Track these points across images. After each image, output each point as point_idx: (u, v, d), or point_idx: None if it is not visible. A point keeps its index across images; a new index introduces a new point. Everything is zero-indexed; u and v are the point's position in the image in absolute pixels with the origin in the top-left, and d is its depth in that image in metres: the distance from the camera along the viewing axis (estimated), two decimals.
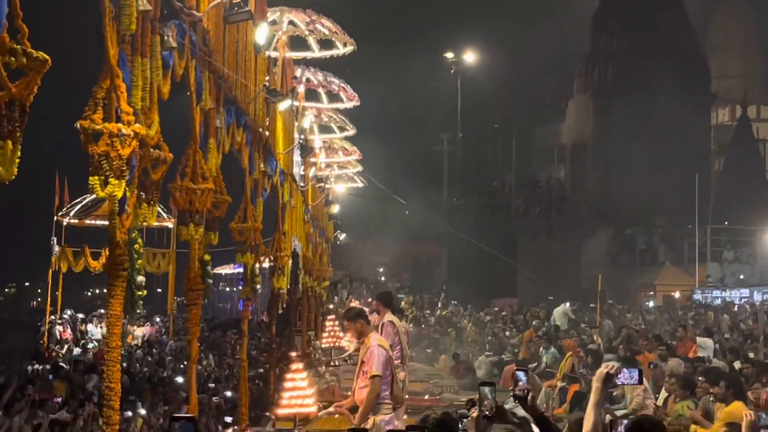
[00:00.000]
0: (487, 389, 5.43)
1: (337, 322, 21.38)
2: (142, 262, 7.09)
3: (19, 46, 4.57)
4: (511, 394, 5.68)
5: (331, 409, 11.77)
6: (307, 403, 13.00)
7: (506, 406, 6.00)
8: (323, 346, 20.40)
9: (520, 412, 6.00)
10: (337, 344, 21.05)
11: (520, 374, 5.70)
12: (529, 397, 5.62)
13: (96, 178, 6.28)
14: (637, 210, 48.25)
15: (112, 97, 6.43)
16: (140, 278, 7.08)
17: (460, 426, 5.56)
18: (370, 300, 30.86)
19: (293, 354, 16.99)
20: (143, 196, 7.58)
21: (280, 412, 12.76)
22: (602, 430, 5.39)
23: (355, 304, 24.10)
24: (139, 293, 7.10)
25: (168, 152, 7.93)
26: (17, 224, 63.57)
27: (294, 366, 13.87)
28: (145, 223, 8.08)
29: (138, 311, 7.26)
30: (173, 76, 8.19)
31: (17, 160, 4.63)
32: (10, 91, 4.57)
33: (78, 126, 6.17)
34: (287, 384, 13.87)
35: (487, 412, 5.34)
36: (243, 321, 14.56)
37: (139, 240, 7.09)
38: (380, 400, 9.80)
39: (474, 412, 5.51)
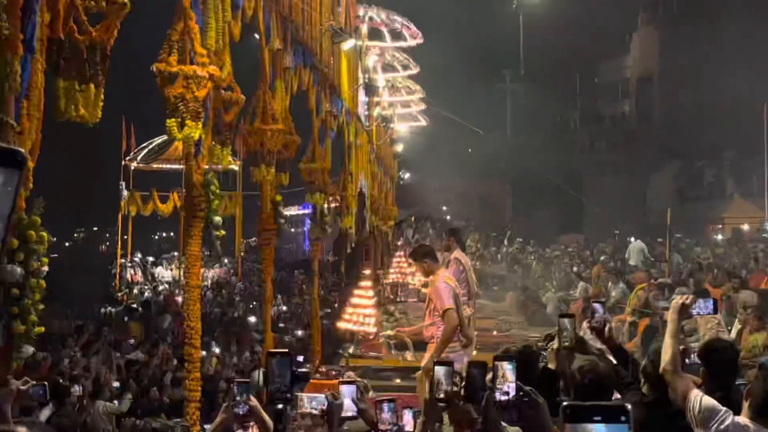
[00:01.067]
0: (566, 320, 5.43)
1: (404, 258, 21.52)
2: (218, 203, 7.15)
3: None
4: (588, 326, 5.69)
5: (390, 332, 11.88)
6: (368, 322, 13.21)
7: None
8: (390, 281, 20.61)
9: (596, 344, 6.02)
10: (404, 279, 21.23)
11: (597, 306, 5.70)
12: (606, 329, 5.63)
13: (173, 120, 6.35)
14: (704, 143, 47.52)
15: (186, 40, 6.47)
16: (217, 219, 7.15)
17: (540, 359, 5.59)
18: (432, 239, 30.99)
19: (365, 271, 17.11)
20: (217, 138, 7.66)
21: (341, 325, 12.98)
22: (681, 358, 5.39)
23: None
24: (217, 233, 7.17)
25: (240, 94, 8.00)
26: (84, 170, 64.37)
27: (363, 283, 14.05)
28: (219, 165, 8.15)
29: (216, 251, 7.34)
30: (243, 17, 8.24)
31: (101, 104, 4.70)
32: (92, 36, 4.63)
33: (154, 69, 6.23)
34: (353, 299, 14.09)
35: (567, 343, 5.35)
36: (313, 261, 14.70)
37: (215, 181, 7.16)
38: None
39: (554, 345, 5.54)
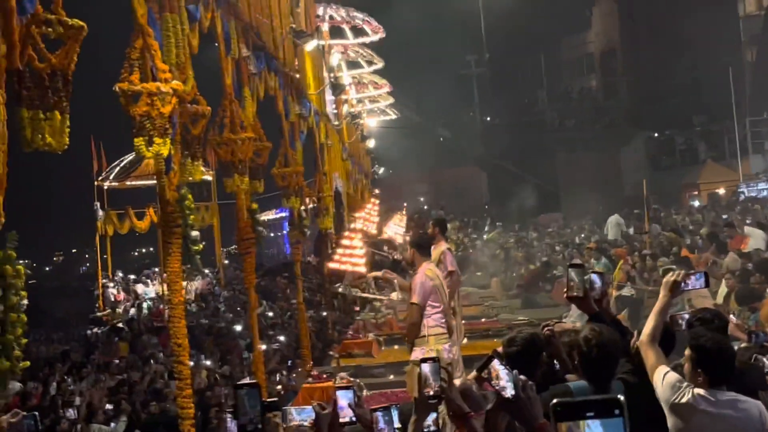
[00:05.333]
0: (573, 271, 5.39)
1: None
2: (194, 217, 7.09)
3: (54, 16, 4.55)
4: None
5: (378, 273, 12.09)
6: (359, 263, 13.54)
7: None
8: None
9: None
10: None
11: (595, 278, 5.64)
12: (604, 302, 5.62)
13: (140, 138, 6.29)
14: (673, 111, 47.62)
15: (146, 57, 6.41)
16: (195, 233, 7.10)
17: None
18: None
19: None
20: (187, 153, 7.60)
21: (332, 266, 13.34)
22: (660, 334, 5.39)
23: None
24: (195, 248, 7.12)
25: (206, 106, 7.95)
26: (57, 193, 64.05)
27: (352, 225, 14.31)
28: (191, 178, 8.08)
29: (196, 266, 7.30)
30: (200, 28, 8.18)
31: (67, 130, 4.64)
32: (51, 62, 4.56)
33: (117, 89, 6.17)
34: (343, 241, 14.37)
35: (575, 293, 5.32)
36: (295, 264, 14.69)
37: (189, 196, 7.10)
38: (436, 329, 9.77)
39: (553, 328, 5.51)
